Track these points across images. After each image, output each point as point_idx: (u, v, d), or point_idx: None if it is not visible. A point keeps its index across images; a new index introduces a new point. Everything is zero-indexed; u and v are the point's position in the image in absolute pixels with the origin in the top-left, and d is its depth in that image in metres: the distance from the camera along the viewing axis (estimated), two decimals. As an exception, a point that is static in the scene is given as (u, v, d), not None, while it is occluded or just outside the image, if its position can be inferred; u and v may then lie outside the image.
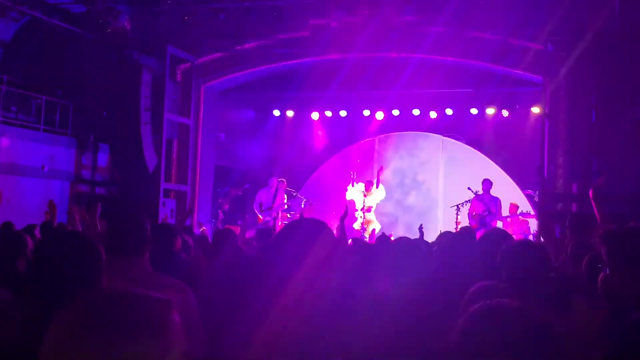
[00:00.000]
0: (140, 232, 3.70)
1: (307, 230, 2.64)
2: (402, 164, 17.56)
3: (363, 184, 15.18)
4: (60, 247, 2.56)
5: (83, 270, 2.46)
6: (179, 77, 15.19)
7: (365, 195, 15.02)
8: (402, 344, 2.99)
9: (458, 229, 13.48)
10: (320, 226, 2.70)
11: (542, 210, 12.00)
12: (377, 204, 15.40)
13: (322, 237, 2.62)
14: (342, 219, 5.54)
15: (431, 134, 17.36)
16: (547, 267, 3.10)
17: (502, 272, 3.09)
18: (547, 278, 3.08)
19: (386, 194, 15.62)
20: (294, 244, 2.57)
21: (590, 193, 6.43)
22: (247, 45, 14.64)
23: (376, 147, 17.87)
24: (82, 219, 6.00)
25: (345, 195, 15.52)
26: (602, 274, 3.14)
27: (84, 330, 1.33)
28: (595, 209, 6.09)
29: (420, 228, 10.33)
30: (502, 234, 4.72)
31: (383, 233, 11.41)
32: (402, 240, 4.52)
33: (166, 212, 14.15)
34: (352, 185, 15.31)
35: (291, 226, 2.80)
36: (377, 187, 15.04)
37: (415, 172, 17.44)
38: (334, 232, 5.92)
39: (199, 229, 13.48)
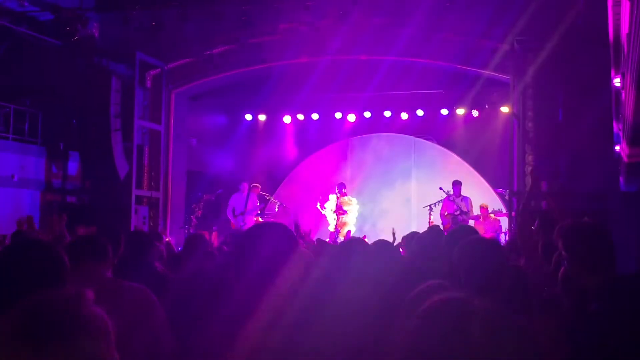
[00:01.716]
0: (100, 239, 3.71)
1: (273, 237, 2.66)
2: (375, 165, 17.62)
3: (336, 192, 15.28)
4: (21, 254, 2.55)
5: (44, 277, 2.45)
6: (148, 83, 15.11)
7: (338, 198, 15.09)
8: (368, 347, 3.01)
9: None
10: (285, 233, 2.72)
11: (519, 209, 12.16)
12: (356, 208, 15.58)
13: (288, 245, 2.64)
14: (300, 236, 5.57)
15: (403, 135, 17.46)
16: (503, 263, 3.14)
17: (459, 270, 3.13)
18: (504, 274, 3.12)
19: (362, 193, 15.78)
20: (261, 252, 2.58)
21: (543, 187, 6.52)
22: (216, 51, 14.60)
23: (348, 149, 17.93)
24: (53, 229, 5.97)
25: (318, 199, 15.63)
26: (562, 268, 3.20)
27: (11, 340, 1.33)
28: (554, 205, 6.19)
29: (393, 232, 10.43)
30: (468, 231, 4.77)
31: (353, 236, 11.46)
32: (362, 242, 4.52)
33: (138, 219, 14.06)
34: (323, 207, 15.47)
35: (257, 233, 2.81)
36: (342, 212, 15.16)
37: (387, 174, 17.50)
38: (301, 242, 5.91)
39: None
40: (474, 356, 1.47)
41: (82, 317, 1.40)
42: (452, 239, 4.54)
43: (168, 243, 9.16)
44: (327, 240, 13.75)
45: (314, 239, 8.31)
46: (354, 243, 4.17)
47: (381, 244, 4.84)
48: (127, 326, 3.29)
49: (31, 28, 13.87)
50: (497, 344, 1.50)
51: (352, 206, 15.43)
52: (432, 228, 5.40)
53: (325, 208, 15.45)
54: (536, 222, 5.98)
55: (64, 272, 2.54)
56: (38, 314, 1.38)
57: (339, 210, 15.06)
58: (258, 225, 2.93)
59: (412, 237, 5.85)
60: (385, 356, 2.44)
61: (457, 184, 14.34)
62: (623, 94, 7.41)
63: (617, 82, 8.16)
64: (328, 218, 15.35)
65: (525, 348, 1.65)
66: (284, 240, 2.68)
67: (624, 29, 5.80)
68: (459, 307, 1.56)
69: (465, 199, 14.26)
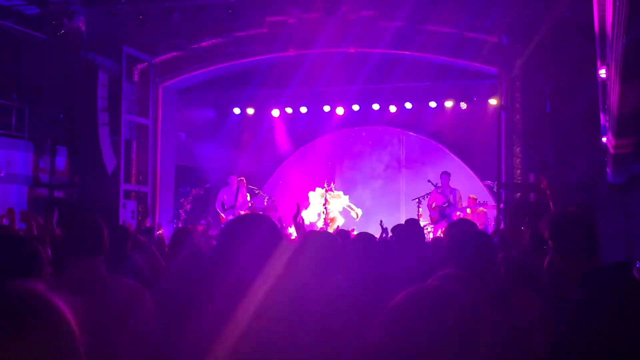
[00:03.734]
0: (95, 234, 3.67)
1: (257, 231, 2.65)
2: (363, 158, 17.67)
3: (324, 187, 15.27)
4: None
5: (19, 271, 2.43)
6: (136, 78, 15.03)
7: (327, 192, 15.10)
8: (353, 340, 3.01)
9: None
10: (269, 226, 2.71)
11: (506, 201, 12.23)
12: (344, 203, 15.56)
13: (272, 238, 2.63)
14: (294, 219, 5.57)
15: (391, 128, 17.49)
16: (492, 253, 3.16)
17: (449, 260, 3.14)
18: (493, 264, 3.14)
19: (351, 186, 15.78)
20: (245, 246, 2.57)
21: (544, 183, 6.56)
22: (204, 44, 14.55)
23: (337, 142, 17.93)
24: (37, 225, 5.93)
25: (307, 195, 15.61)
26: (547, 257, 3.22)
27: None
28: (550, 198, 6.22)
29: (382, 224, 10.45)
30: (464, 223, 4.78)
31: (343, 229, 11.46)
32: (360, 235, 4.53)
33: (127, 213, 14.02)
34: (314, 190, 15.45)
35: (240, 226, 2.79)
36: (327, 205, 15.14)
37: (375, 167, 17.55)
38: (295, 232, 5.91)
39: (157, 231, 13.34)
40: (450, 343, 1.47)
41: (39, 309, 1.37)
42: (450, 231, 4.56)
43: (160, 237, 9.15)
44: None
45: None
46: (336, 237, 4.17)
47: (363, 237, 4.84)
48: (116, 322, 3.29)
49: (17, 22, 13.79)
50: (475, 332, 1.51)
51: (340, 199, 15.42)
52: (407, 221, 5.41)
53: (309, 204, 15.43)
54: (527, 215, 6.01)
55: (39, 266, 2.52)
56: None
57: (326, 206, 15.07)
58: (240, 218, 2.90)
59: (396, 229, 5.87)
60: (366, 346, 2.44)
61: (445, 175, 14.39)
62: (608, 85, 7.43)
63: (602, 73, 8.19)
64: (310, 216, 15.29)
65: (505, 338, 1.67)
66: (267, 233, 2.68)
67: (609, 19, 5.82)
68: (437, 295, 1.56)
69: (454, 190, 14.31)
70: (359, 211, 15.39)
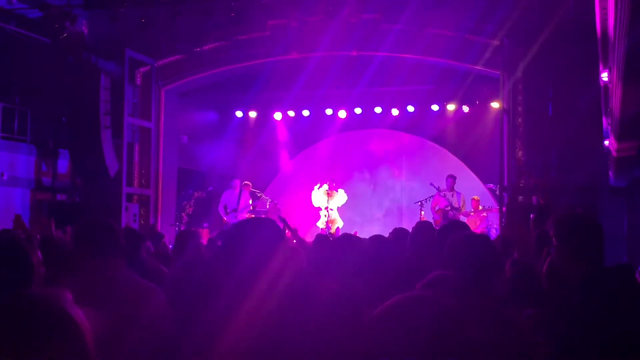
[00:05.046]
0: (114, 234, 3.70)
1: (261, 233, 2.66)
2: (365, 161, 17.66)
3: (327, 185, 15.27)
4: None
5: (10, 273, 2.42)
6: (138, 81, 15.05)
7: (328, 194, 15.10)
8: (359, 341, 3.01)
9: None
10: (273, 229, 2.72)
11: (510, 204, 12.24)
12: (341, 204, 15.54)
13: (276, 241, 2.64)
14: (293, 233, 5.58)
15: (394, 131, 17.48)
16: (493, 258, 3.15)
17: (449, 265, 3.14)
18: (494, 269, 3.13)
19: (353, 189, 15.75)
20: (249, 248, 2.58)
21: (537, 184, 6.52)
22: (206, 47, 14.58)
23: (339, 145, 17.92)
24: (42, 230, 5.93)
25: (310, 196, 15.61)
26: (548, 258, 3.21)
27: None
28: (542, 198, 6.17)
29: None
30: (459, 226, 4.77)
31: (345, 232, 11.44)
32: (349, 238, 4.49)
33: (129, 216, 14.03)
34: (319, 187, 15.42)
35: (245, 229, 2.80)
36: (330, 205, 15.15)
37: (378, 170, 17.55)
38: (293, 240, 5.89)
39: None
40: (445, 350, 1.47)
41: (57, 318, 1.38)
42: (443, 234, 4.55)
43: (162, 243, 9.13)
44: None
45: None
46: (347, 239, 4.17)
47: (376, 239, 4.84)
48: (129, 321, 3.30)
49: (20, 25, 13.79)
50: (472, 339, 1.51)
51: (339, 197, 15.41)
52: (420, 224, 5.38)
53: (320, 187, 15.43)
54: (532, 216, 6.00)
55: (29, 272, 2.50)
56: (15, 312, 1.36)
57: (328, 208, 15.06)
58: (245, 221, 2.92)
59: (398, 232, 5.84)
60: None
61: (449, 178, 14.37)
62: (610, 89, 7.44)
63: (605, 76, 8.19)
64: (321, 200, 15.23)
65: (502, 342, 1.66)
66: (271, 235, 2.69)
67: (611, 23, 5.83)
68: (423, 304, 1.57)
69: (458, 194, 14.29)
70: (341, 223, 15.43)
